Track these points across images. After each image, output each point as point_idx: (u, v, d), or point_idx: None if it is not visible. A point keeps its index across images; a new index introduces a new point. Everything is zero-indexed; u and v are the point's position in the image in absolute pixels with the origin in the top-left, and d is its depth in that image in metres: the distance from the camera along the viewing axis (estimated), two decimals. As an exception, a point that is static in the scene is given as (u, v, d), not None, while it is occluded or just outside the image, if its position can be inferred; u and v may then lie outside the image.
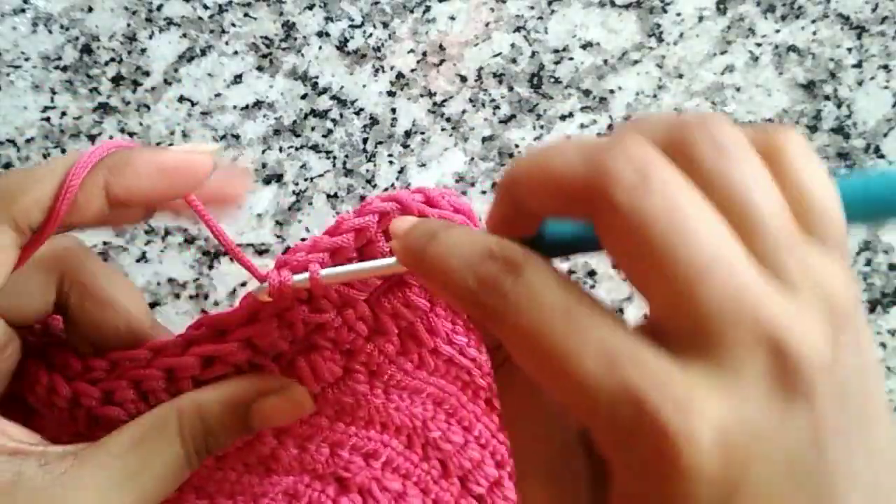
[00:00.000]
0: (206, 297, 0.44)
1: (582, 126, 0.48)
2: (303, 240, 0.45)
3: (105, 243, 0.45)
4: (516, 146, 0.47)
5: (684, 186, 0.19)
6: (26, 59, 0.47)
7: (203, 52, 0.48)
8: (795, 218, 0.20)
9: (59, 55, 0.47)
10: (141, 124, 0.46)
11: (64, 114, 0.46)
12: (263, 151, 0.46)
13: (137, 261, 0.45)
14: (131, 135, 0.47)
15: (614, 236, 0.19)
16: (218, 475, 0.31)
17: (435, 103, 0.48)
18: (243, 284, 0.45)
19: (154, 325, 0.30)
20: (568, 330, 0.19)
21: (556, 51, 0.49)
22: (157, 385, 0.28)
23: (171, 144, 0.46)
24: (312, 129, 0.47)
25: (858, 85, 0.49)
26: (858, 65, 0.49)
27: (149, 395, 0.28)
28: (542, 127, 0.48)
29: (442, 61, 0.48)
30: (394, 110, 0.47)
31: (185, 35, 0.48)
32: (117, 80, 0.47)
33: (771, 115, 0.48)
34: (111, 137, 0.47)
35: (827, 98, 0.48)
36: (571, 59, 0.48)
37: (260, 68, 0.48)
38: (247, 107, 0.47)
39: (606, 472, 0.19)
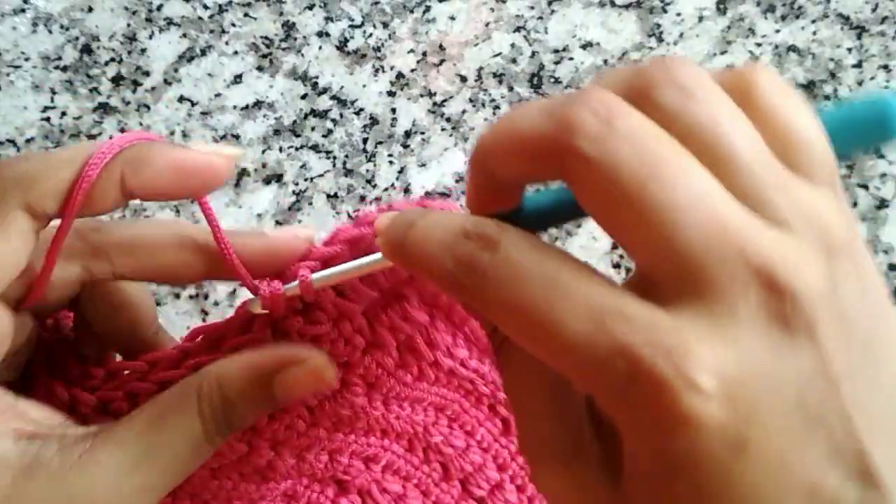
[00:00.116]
0: (206, 297, 0.44)
1: (582, 126, 0.48)
2: (303, 240, 0.46)
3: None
4: (516, 146, 0.47)
5: (652, 129, 0.18)
6: (26, 59, 0.47)
7: (203, 52, 0.48)
8: (779, 157, 0.19)
9: (59, 55, 0.47)
10: (141, 124, 0.46)
11: (64, 114, 0.46)
12: (263, 151, 0.46)
13: (137, 261, 0.45)
14: (131, 135, 0.47)
15: (587, 190, 0.19)
16: (214, 484, 0.31)
17: (435, 103, 0.48)
18: (243, 286, 0.45)
19: (158, 331, 0.30)
20: (551, 296, 0.18)
21: (556, 51, 0.49)
22: (150, 398, 0.28)
23: (171, 144, 0.46)
24: (312, 129, 0.47)
25: (858, 85, 0.49)
26: (858, 65, 0.49)
27: None
28: (542, 127, 0.48)
29: (442, 61, 0.48)
30: (394, 110, 0.47)
31: (185, 35, 0.48)
32: (117, 80, 0.47)
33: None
34: (111, 137, 0.47)
35: (827, 98, 0.48)
36: (571, 59, 0.48)
37: (260, 68, 0.48)
38: (247, 107, 0.47)
39: (619, 441, 0.19)
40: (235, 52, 0.48)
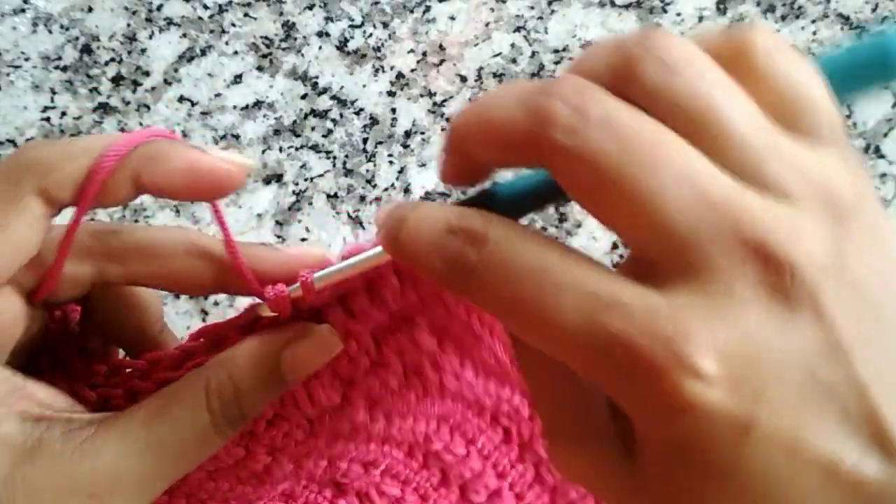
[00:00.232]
0: (205, 297, 0.44)
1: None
2: (303, 240, 0.46)
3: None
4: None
5: (627, 112, 0.18)
6: (26, 59, 0.47)
7: (203, 52, 0.48)
8: (779, 120, 0.18)
9: (59, 55, 0.47)
10: (141, 124, 0.46)
11: (64, 114, 0.46)
12: (263, 151, 0.46)
13: (137, 261, 0.45)
14: (131, 135, 0.47)
15: (568, 179, 0.18)
16: (210, 485, 0.31)
17: (435, 103, 0.48)
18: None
19: (163, 330, 0.30)
20: (542, 289, 0.18)
21: (556, 51, 0.49)
22: None
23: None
24: (312, 129, 0.47)
25: (858, 85, 0.49)
26: (858, 65, 0.49)
27: None
28: (541, 127, 0.48)
29: (442, 61, 0.48)
30: (394, 110, 0.47)
31: (185, 35, 0.48)
32: (117, 80, 0.47)
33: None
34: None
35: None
36: (571, 58, 0.48)
37: (260, 68, 0.48)
38: (247, 107, 0.47)
39: (631, 422, 0.18)
40: (235, 52, 0.48)
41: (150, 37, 0.48)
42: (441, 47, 0.48)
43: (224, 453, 0.29)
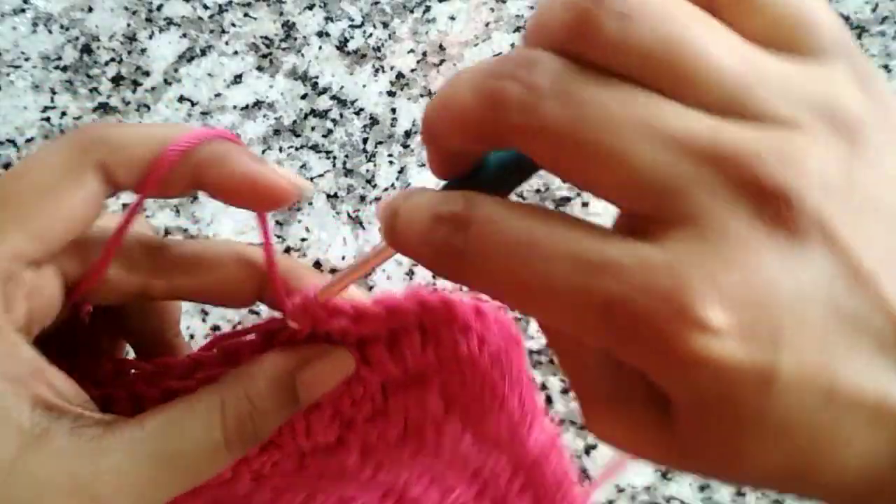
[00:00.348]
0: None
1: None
2: (303, 240, 0.45)
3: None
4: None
5: (577, 76, 0.17)
6: (26, 59, 0.47)
7: (203, 52, 0.48)
8: (773, 44, 0.17)
9: (59, 55, 0.47)
10: (141, 124, 0.46)
11: (64, 114, 0.46)
12: (263, 151, 0.46)
13: (137, 261, 0.45)
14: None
15: (535, 153, 0.18)
16: (188, 500, 0.30)
17: (435, 103, 0.48)
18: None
19: (179, 335, 0.30)
20: (532, 262, 0.17)
21: (556, 51, 0.49)
22: (153, 405, 0.27)
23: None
24: (312, 129, 0.47)
25: (858, 85, 0.49)
26: (858, 65, 0.49)
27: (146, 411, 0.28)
28: (542, 127, 0.48)
29: (442, 61, 0.48)
30: (394, 110, 0.47)
31: (185, 35, 0.48)
32: (117, 80, 0.47)
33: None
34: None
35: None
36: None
37: (260, 68, 0.48)
38: (247, 107, 0.47)
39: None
40: (235, 52, 0.48)
41: (150, 37, 0.48)
42: (441, 47, 0.48)
43: None
